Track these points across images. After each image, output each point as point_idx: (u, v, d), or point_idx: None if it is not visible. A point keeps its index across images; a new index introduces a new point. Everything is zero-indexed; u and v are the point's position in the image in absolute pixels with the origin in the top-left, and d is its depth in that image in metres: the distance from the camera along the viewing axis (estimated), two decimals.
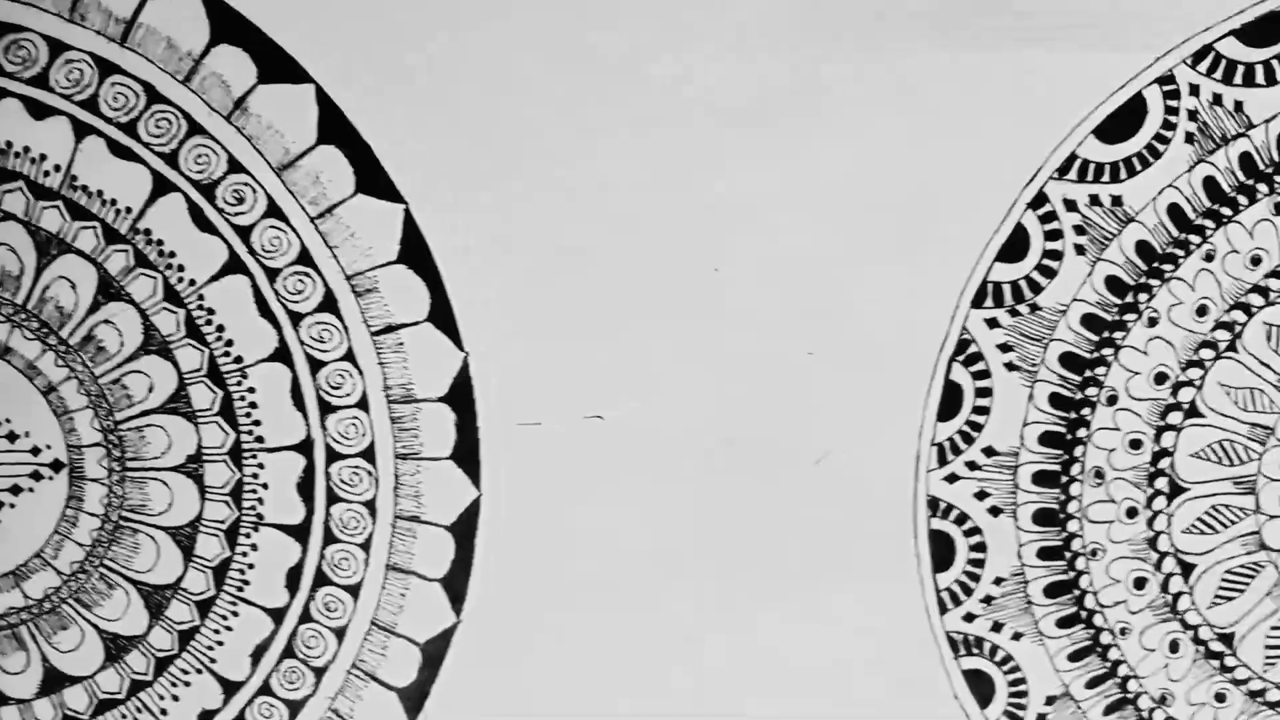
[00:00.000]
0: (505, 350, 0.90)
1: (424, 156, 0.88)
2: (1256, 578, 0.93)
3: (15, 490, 0.91)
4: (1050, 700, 0.94)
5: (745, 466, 0.90)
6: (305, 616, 0.92)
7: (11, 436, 0.90)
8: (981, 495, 0.92)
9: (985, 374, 0.91)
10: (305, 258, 0.88)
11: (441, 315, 0.89)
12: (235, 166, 0.88)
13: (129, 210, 0.88)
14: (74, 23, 0.87)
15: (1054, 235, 0.89)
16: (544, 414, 0.90)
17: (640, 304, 0.89)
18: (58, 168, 0.88)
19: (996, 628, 0.93)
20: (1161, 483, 0.92)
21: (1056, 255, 0.89)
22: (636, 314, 0.89)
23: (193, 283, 0.89)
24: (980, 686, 0.94)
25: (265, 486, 0.91)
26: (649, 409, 0.90)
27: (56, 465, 0.90)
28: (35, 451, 0.91)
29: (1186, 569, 0.93)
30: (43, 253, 0.89)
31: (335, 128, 0.87)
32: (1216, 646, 0.94)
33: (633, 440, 0.90)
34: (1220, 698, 0.94)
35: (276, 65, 0.87)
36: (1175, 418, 0.91)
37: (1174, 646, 0.94)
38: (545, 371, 0.90)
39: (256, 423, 0.90)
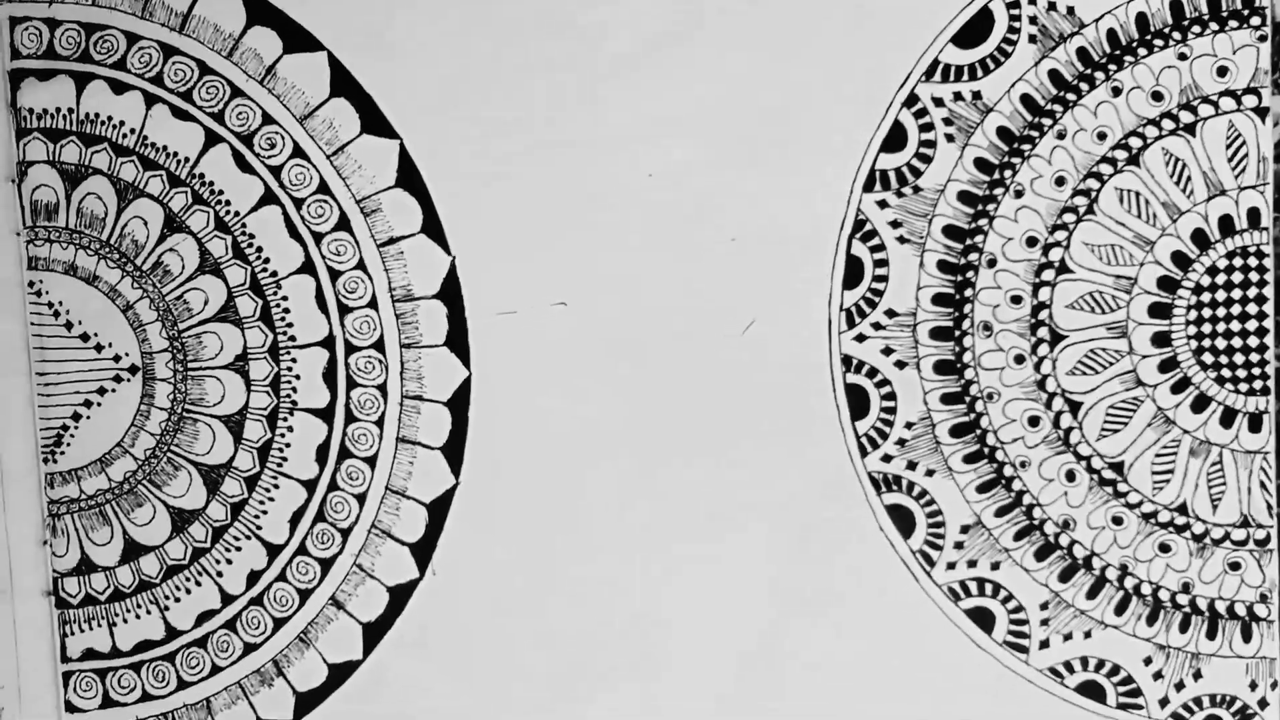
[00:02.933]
0: (484, 253, 0.84)
1: (411, 103, 0.84)
2: (1137, 411, 0.82)
3: (101, 391, 0.86)
4: (965, 529, 0.83)
5: (684, 339, 0.83)
6: (333, 485, 0.85)
7: (99, 348, 0.86)
8: (887, 351, 0.83)
9: (881, 247, 0.83)
10: (324, 188, 0.84)
11: (432, 227, 0.84)
12: (267, 119, 0.85)
13: (187, 160, 0.85)
14: (144, 18, 0.86)
15: (927, 128, 0.82)
16: (519, 304, 0.84)
17: (589, 211, 0.83)
18: (133, 130, 0.86)
19: (911, 466, 0.83)
20: (1043, 332, 0.82)
21: (931, 144, 0.82)
22: (589, 218, 0.83)
23: (237, 214, 0.85)
24: (902, 519, 0.83)
25: (298, 377, 0.85)
26: (604, 295, 0.83)
27: (133, 369, 0.86)
28: (117, 359, 0.86)
29: (1074, 407, 0.82)
30: (121, 198, 0.86)
31: (344, 84, 0.84)
32: (1109, 475, 0.82)
33: (591, 322, 0.83)
34: (1117, 520, 0.82)
35: (297, 39, 0.86)
36: (1049, 275, 0.82)
37: (1070, 476, 0.82)
38: (517, 269, 0.84)
39: (289, 325, 0.85)
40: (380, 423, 0.89)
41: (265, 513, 0.90)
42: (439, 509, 0.89)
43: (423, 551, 0.89)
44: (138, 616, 0.91)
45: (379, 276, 0.89)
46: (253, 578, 0.90)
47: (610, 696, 0.88)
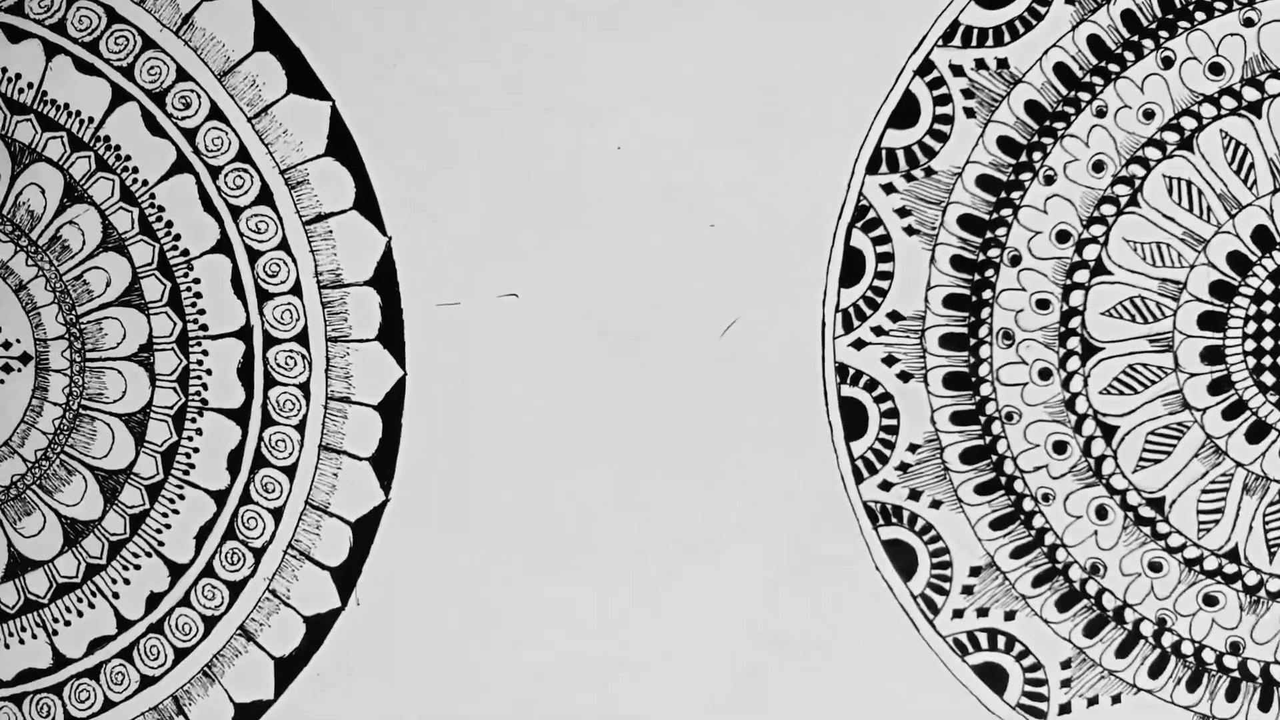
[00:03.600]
0: (425, 235, 0.67)
1: (346, 60, 0.67)
2: (1182, 439, 0.64)
3: None
4: (975, 571, 0.65)
5: (655, 339, 0.65)
6: (245, 498, 0.68)
7: None
8: (890, 360, 0.65)
9: (885, 239, 0.65)
10: (244, 155, 0.68)
11: (367, 203, 0.67)
12: (182, 75, 0.68)
13: (91, 120, 0.68)
14: None
15: (943, 100, 0.65)
16: (463, 294, 0.66)
17: (551, 188, 0.66)
18: (30, 85, 0.69)
19: (914, 495, 0.65)
20: (1074, 343, 0.64)
21: (947, 120, 0.65)
22: (548, 197, 0.66)
23: (145, 183, 0.69)
24: (902, 557, 0.65)
25: (209, 372, 0.68)
26: (561, 286, 0.66)
27: (24, 358, 0.69)
28: (6, 346, 0.69)
29: (1108, 432, 0.64)
30: (16, 162, 0.69)
31: (270, 36, 0.67)
32: (1146, 512, 0.64)
33: (547, 317, 0.66)
34: (1155, 567, 0.64)
35: None
36: (1082, 276, 0.64)
37: (1101, 513, 0.64)
38: (463, 254, 0.67)
39: (201, 311, 0.68)
40: (301, 427, 0.72)
41: (169, 527, 0.73)
42: (365, 529, 0.72)
43: (345, 577, 0.72)
44: (21, 641, 0.74)
45: (304, 259, 0.72)
46: (153, 601, 0.73)
47: None
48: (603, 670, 0.72)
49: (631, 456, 0.72)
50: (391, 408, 0.74)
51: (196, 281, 0.75)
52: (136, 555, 0.75)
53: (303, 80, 0.74)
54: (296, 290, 0.74)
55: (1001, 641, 0.71)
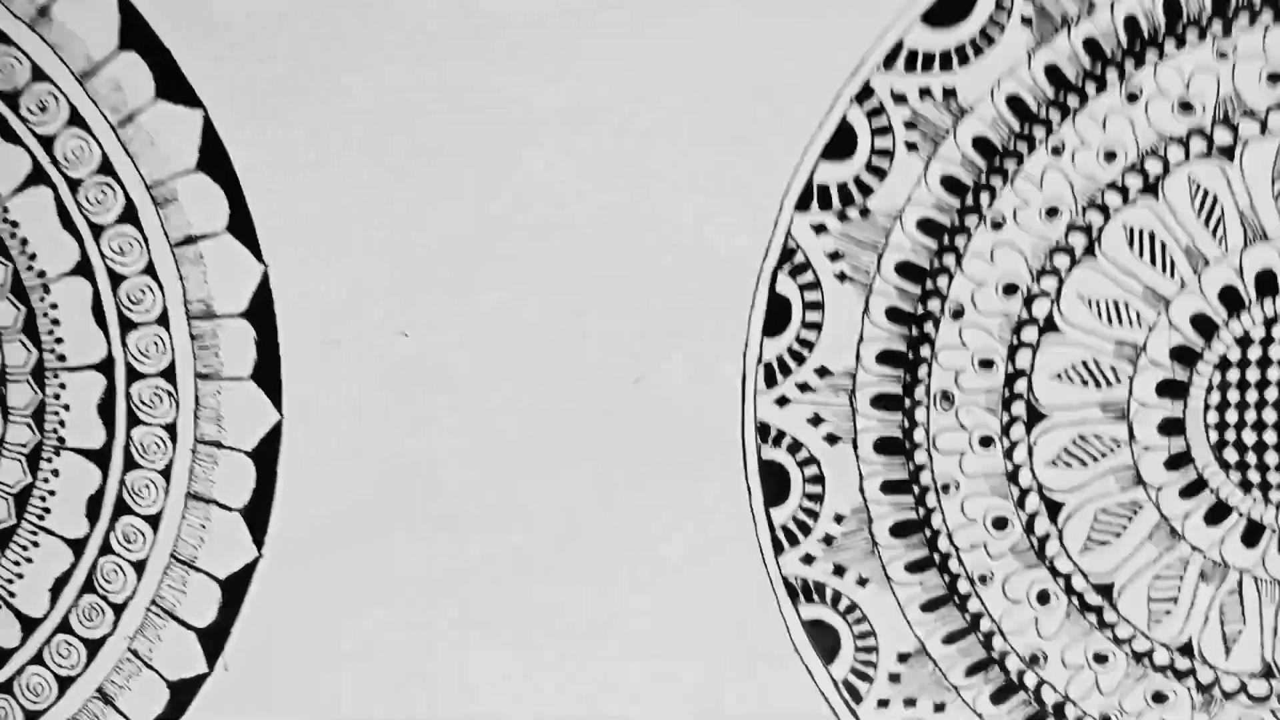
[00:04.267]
0: (307, 263, 0.56)
1: (221, 63, 0.56)
2: (1134, 519, 0.54)
3: None
4: (904, 657, 0.55)
5: (555, 390, 0.55)
6: (105, 548, 0.58)
7: None
8: (816, 420, 0.55)
9: (814, 285, 0.55)
10: (107, 167, 0.57)
11: (241, 226, 0.57)
12: (39, 74, 0.57)
13: None
14: None
15: (883, 131, 0.54)
16: (347, 331, 0.56)
17: (445, 218, 0.55)
18: None
19: (839, 571, 0.56)
20: (1019, 408, 0.54)
21: (887, 154, 0.54)
22: (442, 228, 0.55)
23: None
24: (824, 639, 0.56)
25: (67, 408, 0.58)
26: (457, 327, 0.55)
27: None
28: None
29: (1053, 508, 0.55)
30: None
31: (137, 34, 0.56)
32: (1093, 599, 0.55)
33: (440, 359, 0.55)
34: (1101, 658, 0.55)
35: None
36: (1030, 334, 0.54)
37: (1043, 598, 0.55)
38: (348, 286, 0.56)
39: (59, 340, 0.57)
40: (167, 473, 0.63)
41: (21, 577, 0.64)
42: (236, 587, 0.62)
43: (214, 640, 0.63)
44: None
45: (172, 285, 0.62)
46: (1, 657, 0.64)
47: None
48: None
49: (525, 517, 0.63)
50: (266, 455, 0.64)
51: (54, 306, 0.65)
52: None
53: (172, 85, 0.63)
54: (163, 320, 0.64)
55: None
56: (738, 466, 0.62)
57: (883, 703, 0.62)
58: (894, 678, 0.62)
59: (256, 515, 0.64)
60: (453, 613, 0.63)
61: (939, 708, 0.62)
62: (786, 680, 0.62)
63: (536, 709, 0.63)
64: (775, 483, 0.62)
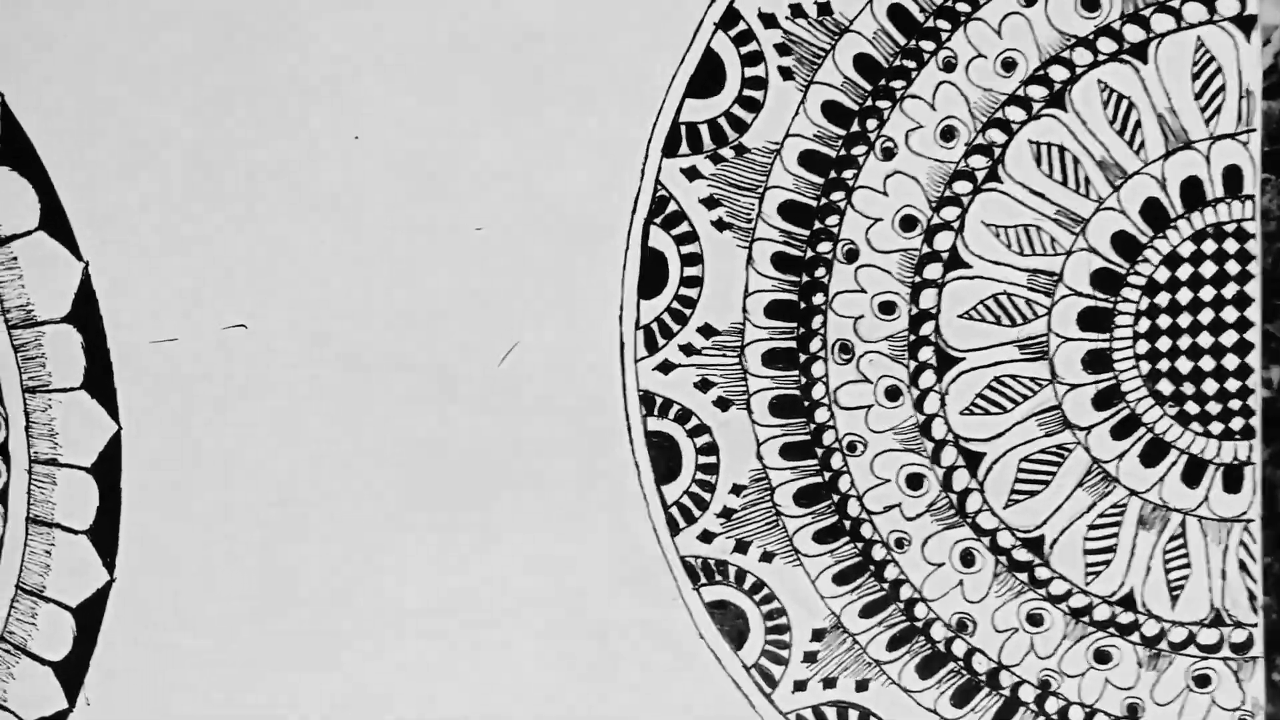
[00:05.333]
0: (130, 257, 0.46)
1: (20, 37, 0.45)
2: (1063, 465, 0.45)
3: None
4: (819, 634, 0.46)
5: (418, 372, 0.45)
6: None
7: None
8: (705, 385, 0.45)
9: (691, 236, 0.45)
10: None
11: (55, 221, 0.46)
12: None
13: None
14: None
15: (753, 59, 0.44)
16: (180, 328, 0.46)
17: (275, 194, 0.45)
18: None
19: (741, 547, 0.46)
20: (927, 353, 0.44)
21: (759, 83, 0.44)
22: (274, 203, 0.45)
23: None
24: (730, 621, 0.46)
25: None
26: (300, 314, 0.45)
27: None
28: None
29: (972, 460, 0.45)
30: None
31: None
32: (1022, 555, 0.45)
33: (282, 351, 0.45)
34: (1035, 620, 0.45)
35: None
36: (934, 271, 0.44)
37: (967, 559, 0.45)
38: (176, 279, 0.46)
39: None
40: (3, 498, 0.53)
41: None
42: (90, 613, 0.53)
43: (71, 672, 0.53)
44: None
45: None
46: None
47: None
48: None
49: (394, 512, 0.53)
50: (107, 469, 0.54)
51: None
52: None
53: None
54: None
55: (853, 716, 0.53)
56: (623, 442, 0.53)
57: (799, 685, 0.53)
58: (810, 657, 0.53)
59: (104, 535, 0.55)
60: (318, 614, 0.54)
61: (861, 686, 0.53)
62: (694, 670, 0.53)
63: (422, 706, 0.54)
64: (665, 457, 0.53)
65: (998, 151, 0.51)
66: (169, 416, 0.54)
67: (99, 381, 0.55)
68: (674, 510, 0.53)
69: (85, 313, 0.54)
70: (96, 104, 0.53)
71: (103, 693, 0.56)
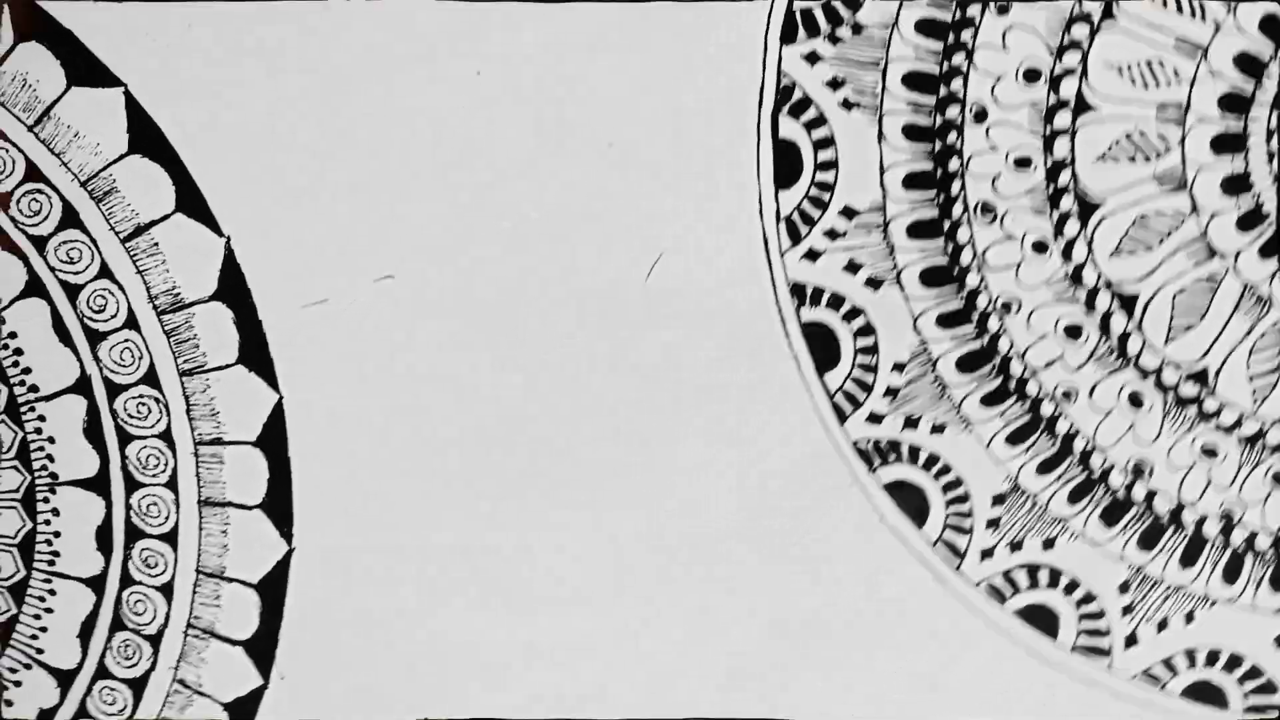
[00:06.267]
0: (269, 224, 0.46)
1: (134, 35, 0.45)
2: (1215, 293, 0.44)
3: None
4: (999, 499, 0.45)
5: (564, 301, 0.45)
6: (126, 579, 0.48)
7: None
8: (853, 267, 0.45)
9: (820, 120, 0.45)
10: (34, 174, 0.46)
11: (191, 201, 0.46)
12: None
13: None
14: None
15: None
16: (329, 288, 0.46)
17: (402, 142, 0.45)
18: None
19: (911, 423, 0.45)
20: (1067, 202, 0.44)
21: None
22: (402, 152, 0.45)
23: None
24: (909, 499, 0.45)
25: (52, 440, 0.47)
26: (444, 258, 0.45)
27: None
28: None
29: (1127, 303, 0.44)
30: None
31: (34, 20, 0.46)
32: (1188, 390, 0.44)
33: (431, 299, 0.45)
34: (1210, 452, 0.44)
35: None
36: (1063, 119, 0.44)
37: (1136, 400, 0.44)
38: (315, 240, 0.46)
39: (26, 371, 0.47)
40: (173, 484, 0.52)
41: (44, 630, 0.53)
42: (274, 587, 0.52)
43: (261, 648, 0.53)
44: None
45: (132, 282, 0.52)
46: (45, 717, 0.54)
47: None
48: (575, 703, 0.53)
49: (564, 446, 0.53)
50: (273, 440, 0.54)
51: (13, 335, 0.54)
52: (14, 670, 0.55)
53: (84, 69, 0.52)
54: (132, 323, 0.54)
55: (1044, 576, 0.52)
56: (779, 336, 0.52)
57: (986, 553, 0.52)
58: (993, 524, 0.52)
59: (277, 506, 0.54)
60: (504, 559, 0.53)
61: (1048, 544, 0.52)
62: (880, 554, 0.52)
63: (627, 649, 0.53)
64: (822, 345, 0.52)
65: None
66: (328, 379, 0.54)
67: (254, 354, 0.54)
68: (839, 398, 0.53)
69: (233, 287, 0.54)
70: (218, 75, 0.53)
71: (294, 665, 0.55)
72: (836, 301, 0.52)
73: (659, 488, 0.52)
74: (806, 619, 0.52)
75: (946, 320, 0.52)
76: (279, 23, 0.52)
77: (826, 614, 0.52)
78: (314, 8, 0.52)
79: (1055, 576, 0.52)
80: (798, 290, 0.52)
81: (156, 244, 0.54)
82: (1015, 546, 0.52)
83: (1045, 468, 0.52)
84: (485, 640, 0.54)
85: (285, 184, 0.53)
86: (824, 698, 0.52)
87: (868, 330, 0.52)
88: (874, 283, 0.52)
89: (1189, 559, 0.52)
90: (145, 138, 0.53)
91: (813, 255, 0.52)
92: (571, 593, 0.52)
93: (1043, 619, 0.52)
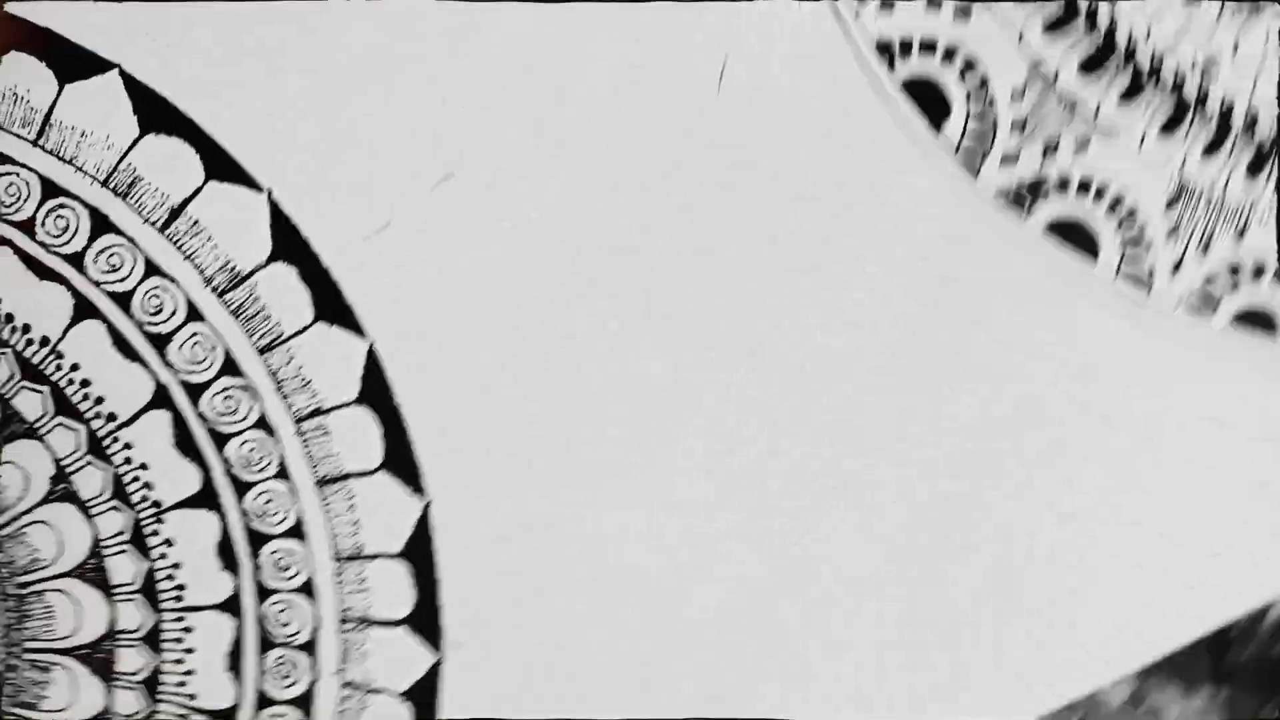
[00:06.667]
0: (304, 165, 0.42)
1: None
2: None
3: None
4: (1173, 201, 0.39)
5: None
6: (261, 592, 0.42)
7: None
8: (934, 1, 0.39)
9: None
10: (51, 189, 0.42)
11: (221, 165, 0.42)
12: (52, 190, 0.44)
13: None
14: None
15: None
16: (389, 211, 0.41)
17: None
18: None
19: (1050, 149, 0.39)
20: None
21: None
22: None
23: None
24: (1079, 236, 0.39)
25: (144, 468, 0.42)
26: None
27: None
28: None
29: None
30: None
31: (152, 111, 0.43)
32: None
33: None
34: None
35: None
36: None
37: None
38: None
39: (99, 400, 0.43)
40: (283, 472, 0.47)
41: (190, 673, 0.47)
42: (419, 549, 0.46)
43: (424, 621, 0.46)
44: None
45: (182, 271, 0.47)
46: None
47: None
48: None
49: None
50: (378, 394, 0.48)
51: (76, 368, 0.49)
52: None
53: (72, 64, 0.48)
54: (194, 314, 0.49)
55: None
56: (877, 102, 0.46)
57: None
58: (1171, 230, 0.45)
59: (401, 463, 0.48)
60: (666, 474, 0.47)
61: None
62: (1044, 296, 0.45)
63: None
64: (928, 101, 0.46)
65: None
66: (424, 327, 0.48)
67: (332, 306, 0.49)
68: (962, 151, 0.46)
69: (290, 246, 0.49)
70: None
71: (465, 631, 0.48)
72: (929, 45, 0.46)
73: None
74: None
75: (1054, 26, 0.45)
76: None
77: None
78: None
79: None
80: (883, 47, 0.46)
81: (196, 222, 0.49)
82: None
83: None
84: (653, 571, 0.47)
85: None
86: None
87: (971, 64, 0.46)
88: (963, 10, 0.46)
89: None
90: (154, 113, 0.49)
91: (887, 4, 0.46)
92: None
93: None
